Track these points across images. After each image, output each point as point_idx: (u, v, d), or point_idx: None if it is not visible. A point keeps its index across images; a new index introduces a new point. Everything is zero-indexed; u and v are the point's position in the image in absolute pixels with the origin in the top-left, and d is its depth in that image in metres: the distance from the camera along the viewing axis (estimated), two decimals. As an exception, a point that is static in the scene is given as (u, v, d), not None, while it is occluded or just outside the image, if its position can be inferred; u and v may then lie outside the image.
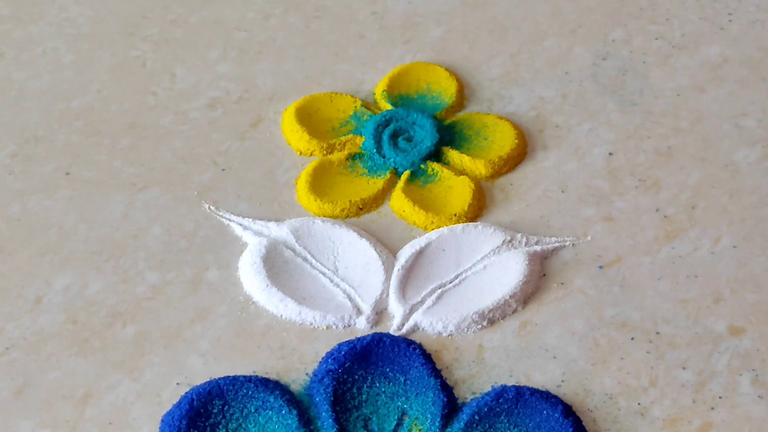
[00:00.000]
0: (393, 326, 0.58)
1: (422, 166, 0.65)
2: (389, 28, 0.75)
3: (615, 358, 0.57)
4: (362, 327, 0.58)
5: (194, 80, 0.71)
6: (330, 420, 0.53)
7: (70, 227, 0.62)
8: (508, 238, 0.62)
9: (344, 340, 0.57)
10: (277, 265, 0.60)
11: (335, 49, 0.73)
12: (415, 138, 0.66)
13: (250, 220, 0.63)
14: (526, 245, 0.61)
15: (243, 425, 0.53)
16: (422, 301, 0.59)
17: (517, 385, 0.55)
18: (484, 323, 0.58)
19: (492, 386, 0.55)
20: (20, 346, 0.57)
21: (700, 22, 0.75)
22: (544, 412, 0.54)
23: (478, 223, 0.63)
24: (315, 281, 0.60)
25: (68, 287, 0.59)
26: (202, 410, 0.54)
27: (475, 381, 0.56)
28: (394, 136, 0.66)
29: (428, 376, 0.55)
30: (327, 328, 0.58)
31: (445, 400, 0.54)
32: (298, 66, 0.72)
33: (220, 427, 0.53)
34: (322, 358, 0.56)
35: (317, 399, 0.54)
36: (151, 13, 0.76)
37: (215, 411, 0.54)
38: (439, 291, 0.59)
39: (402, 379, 0.55)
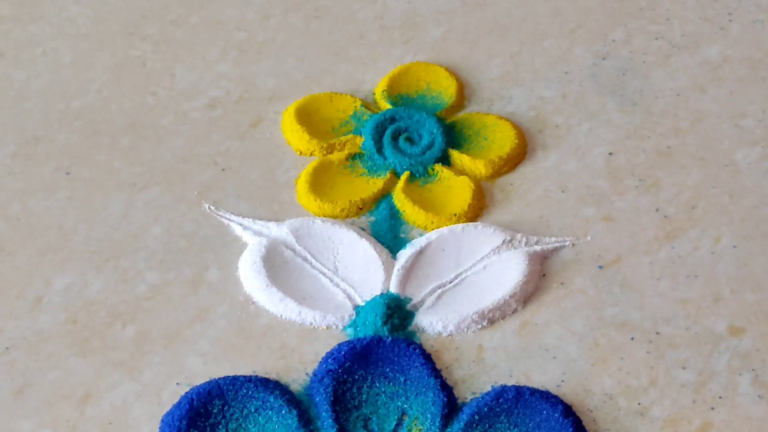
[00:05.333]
0: (393, 326, 0.58)
1: (429, 169, 0.65)
2: (389, 28, 0.75)
3: (615, 358, 0.57)
4: (362, 327, 0.58)
5: (194, 80, 0.71)
6: (330, 420, 0.53)
7: (70, 227, 0.62)
8: (508, 238, 0.62)
9: (344, 340, 0.57)
10: (277, 265, 0.60)
11: (335, 49, 0.73)
12: (421, 140, 0.66)
13: (250, 220, 0.63)
14: (526, 245, 0.61)
15: (243, 425, 0.54)
16: (422, 301, 0.59)
17: (517, 385, 0.55)
18: (484, 323, 0.58)
19: (492, 386, 0.55)
20: (20, 346, 0.57)
21: (700, 22, 0.75)
22: (544, 412, 0.54)
23: (478, 223, 0.63)
24: (315, 281, 0.60)
25: (68, 287, 0.59)
26: (202, 410, 0.54)
27: (475, 381, 0.56)
28: (395, 137, 0.66)
29: (428, 376, 0.55)
30: (327, 328, 0.58)
31: (445, 400, 0.54)
32: (298, 66, 0.72)
33: (220, 427, 0.53)
34: (322, 358, 0.56)
35: (317, 399, 0.54)
36: (151, 13, 0.76)
37: (215, 411, 0.54)
38: (439, 291, 0.59)
39: (402, 379, 0.55)
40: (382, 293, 0.59)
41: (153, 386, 0.55)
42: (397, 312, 0.58)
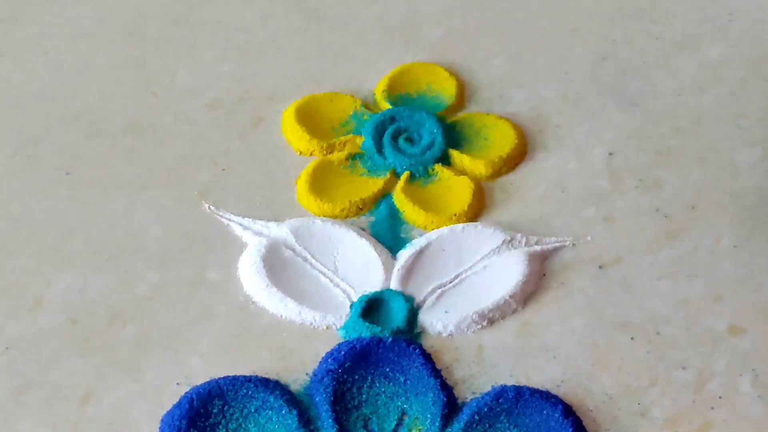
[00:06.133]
0: (393, 326, 0.58)
1: (429, 169, 0.65)
2: (389, 28, 0.75)
3: (615, 358, 0.57)
4: (362, 327, 0.58)
5: (194, 80, 0.71)
6: (330, 420, 0.53)
7: (70, 227, 0.62)
8: (508, 238, 0.62)
9: (344, 340, 0.57)
10: (277, 265, 0.60)
11: (335, 49, 0.73)
12: (421, 140, 0.66)
13: (250, 220, 0.63)
14: (526, 245, 0.61)
15: (243, 425, 0.54)
16: (422, 301, 0.59)
17: (517, 385, 0.55)
18: (484, 323, 0.58)
19: (492, 386, 0.56)
20: (20, 346, 0.57)
21: (700, 22, 0.75)
22: (544, 412, 0.54)
23: (478, 223, 0.63)
24: (315, 281, 0.60)
25: (68, 287, 0.59)
26: (202, 410, 0.54)
27: (475, 381, 0.56)
28: (395, 137, 0.66)
29: (428, 376, 0.55)
30: (327, 328, 0.58)
31: (445, 400, 0.54)
32: (298, 66, 0.72)
33: (220, 427, 0.53)
34: (322, 358, 0.56)
35: (317, 399, 0.54)
36: (151, 13, 0.76)
37: (215, 411, 0.54)
38: (439, 291, 0.59)
39: (402, 379, 0.55)
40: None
41: (153, 386, 0.55)
42: (397, 312, 0.58)
